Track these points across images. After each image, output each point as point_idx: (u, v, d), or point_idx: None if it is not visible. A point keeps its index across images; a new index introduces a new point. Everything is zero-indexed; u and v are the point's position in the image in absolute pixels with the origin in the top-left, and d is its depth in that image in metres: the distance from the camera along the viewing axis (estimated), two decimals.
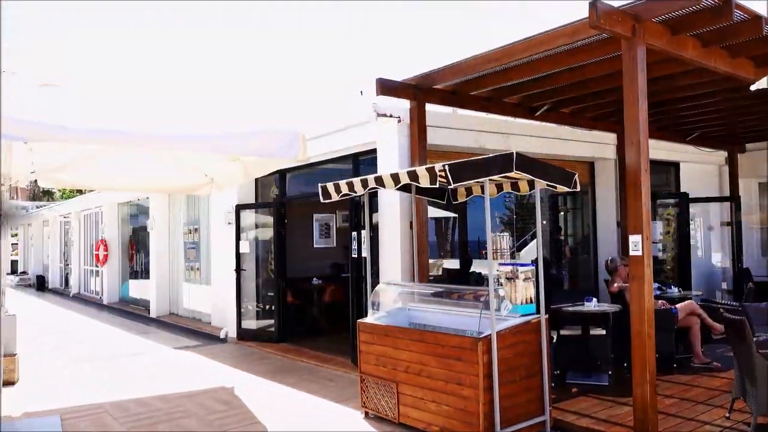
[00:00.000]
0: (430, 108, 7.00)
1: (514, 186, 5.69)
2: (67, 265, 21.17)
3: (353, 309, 7.62)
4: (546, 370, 4.98)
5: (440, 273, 9.18)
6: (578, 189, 5.32)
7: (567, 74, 6.31)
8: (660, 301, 6.85)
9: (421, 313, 5.72)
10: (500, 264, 5.19)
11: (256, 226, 10.08)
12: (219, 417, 5.80)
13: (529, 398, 4.90)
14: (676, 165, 10.57)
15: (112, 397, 6.55)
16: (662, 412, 5.03)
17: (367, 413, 5.57)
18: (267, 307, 9.89)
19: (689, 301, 7.13)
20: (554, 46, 5.39)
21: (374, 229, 7.22)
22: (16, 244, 29.56)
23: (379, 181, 5.22)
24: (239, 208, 9.85)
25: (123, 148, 5.38)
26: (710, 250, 11.27)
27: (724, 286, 10.76)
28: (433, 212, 8.13)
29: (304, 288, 10.44)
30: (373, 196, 7.05)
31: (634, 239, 4.64)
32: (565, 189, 5.18)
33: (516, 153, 4.66)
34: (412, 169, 4.86)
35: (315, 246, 11.44)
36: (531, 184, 5.39)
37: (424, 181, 4.62)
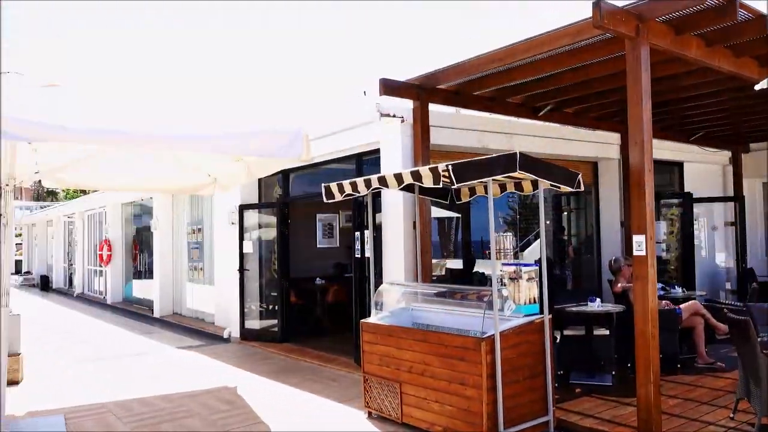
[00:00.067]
0: (433, 108, 7.00)
1: (518, 186, 5.69)
2: (71, 265, 21.23)
3: (356, 309, 7.62)
4: (549, 370, 4.97)
5: (443, 273, 9.18)
6: (582, 189, 5.31)
7: (570, 74, 6.30)
8: (664, 302, 6.84)
9: (424, 313, 5.72)
10: (504, 264, 5.19)
11: (260, 226, 10.09)
12: (222, 417, 5.80)
13: (533, 398, 4.89)
14: (680, 165, 10.55)
15: (115, 397, 6.57)
16: (666, 413, 5.02)
17: (370, 413, 5.57)
18: (270, 307, 9.90)
19: (693, 301, 7.12)
20: (558, 46, 5.38)
21: (377, 229, 7.22)
22: (20, 244, 29.66)
23: (383, 181, 5.21)
24: (242, 208, 9.86)
25: (124, 148, 5.39)
26: (714, 250, 11.25)
27: (728, 286, 10.73)
28: (437, 212, 8.13)
29: (308, 288, 10.45)
30: (377, 196, 7.05)
31: (638, 239, 4.63)
32: (569, 189, 5.18)
33: (519, 153, 4.65)
34: (416, 169, 4.85)
35: (318, 246, 11.45)
36: (534, 184, 5.38)
37: (428, 181, 4.61)
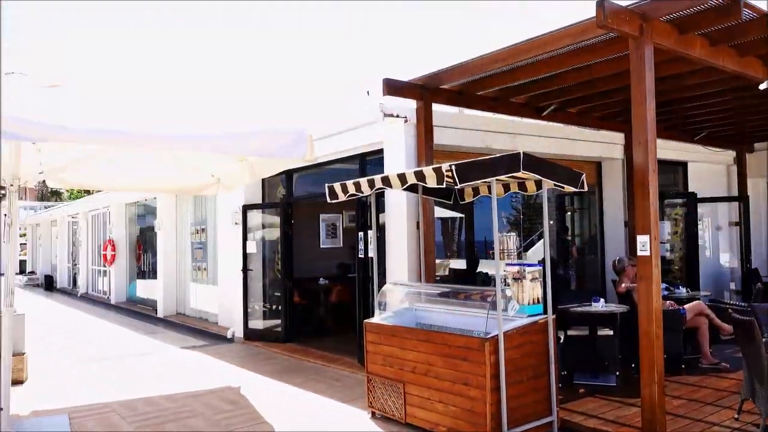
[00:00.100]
0: (437, 108, 7.00)
1: (522, 186, 5.68)
2: (75, 265, 21.29)
3: (360, 309, 7.62)
4: (553, 370, 4.97)
5: (447, 273, 9.17)
6: (585, 189, 5.30)
7: (574, 74, 6.29)
8: (668, 302, 6.82)
9: (428, 314, 5.72)
10: (507, 264, 5.18)
11: (263, 227, 10.10)
12: (226, 417, 5.81)
13: (537, 399, 4.89)
14: (683, 165, 10.52)
15: (119, 397, 6.58)
16: (670, 413, 5.01)
17: (373, 413, 5.57)
18: (274, 307, 9.91)
19: (697, 301, 7.10)
20: (561, 45, 5.38)
21: (381, 230, 7.22)
22: (25, 244, 29.75)
23: (386, 181, 5.21)
24: (246, 209, 9.87)
25: (126, 147, 5.39)
26: (718, 250, 11.21)
27: (733, 286, 10.70)
28: (440, 212, 8.12)
29: (311, 288, 10.45)
30: (380, 196, 7.05)
31: (642, 239, 4.62)
32: (573, 189, 5.17)
33: (523, 153, 4.64)
34: (419, 169, 4.85)
35: (322, 246, 11.45)
36: (538, 184, 5.37)
37: (431, 182, 4.61)
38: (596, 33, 4.97)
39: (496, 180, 4.84)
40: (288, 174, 9.56)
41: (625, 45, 4.93)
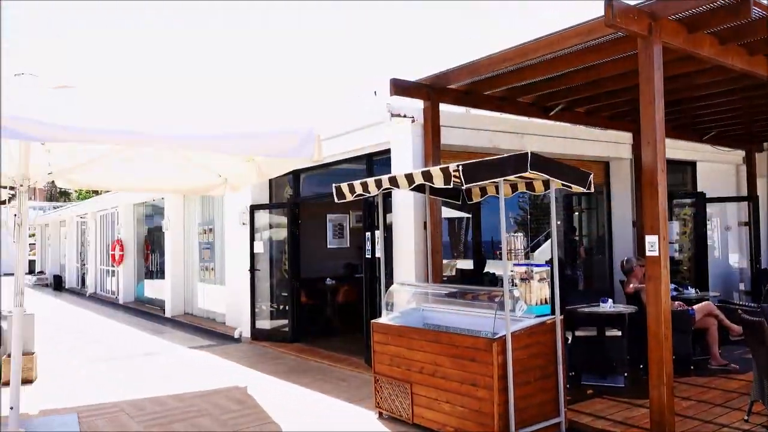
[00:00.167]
0: (444, 108, 6.99)
1: (529, 186, 5.67)
2: (84, 265, 21.41)
3: (367, 309, 7.62)
4: (561, 371, 4.95)
5: (454, 273, 9.15)
6: (593, 190, 5.28)
7: (582, 73, 6.27)
8: (677, 303, 6.78)
9: (435, 314, 5.71)
10: (515, 264, 5.17)
11: (270, 227, 10.12)
12: (233, 416, 5.82)
13: (544, 399, 4.87)
14: (692, 164, 10.46)
15: (128, 396, 6.61)
16: (679, 415, 4.98)
17: (381, 414, 5.57)
18: (281, 307, 9.92)
19: (706, 302, 7.05)
20: (569, 45, 5.35)
21: (388, 230, 7.22)
22: (34, 244, 29.95)
23: (393, 181, 5.21)
24: (253, 209, 9.89)
25: (134, 148, 5.42)
26: (727, 250, 11.14)
27: (742, 287, 10.62)
28: (447, 212, 8.11)
29: (318, 288, 10.46)
30: (387, 196, 7.05)
31: (651, 239, 4.60)
32: (581, 189, 5.15)
33: (531, 153, 4.63)
34: (427, 169, 4.85)
35: (329, 246, 11.46)
36: (546, 184, 5.36)
37: (438, 182, 4.60)
38: (604, 32, 4.95)
39: (504, 180, 4.83)
40: (295, 174, 9.58)
41: (633, 44, 4.91)
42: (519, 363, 4.63)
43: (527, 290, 5.00)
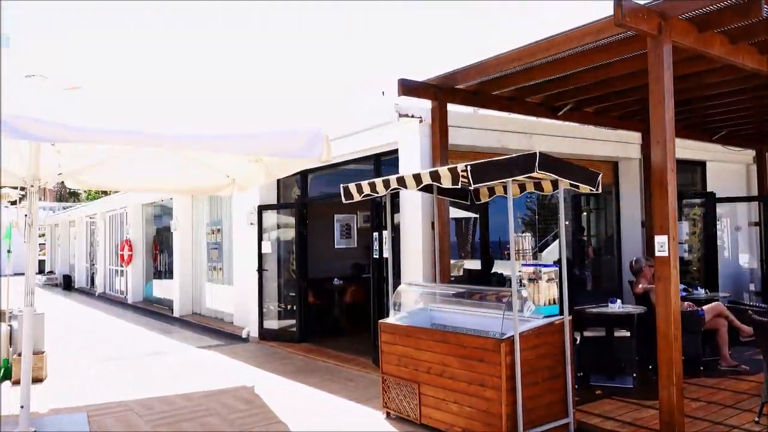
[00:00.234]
0: (452, 108, 6.98)
1: (538, 186, 5.65)
2: (93, 264, 21.53)
3: (374, 309, 7.62)
4: (569, 371, 4.93)
5: (461, 274, 9.13)
6: (600, 191, 5.26)
7: (591, 73, 6.24)
8: (686, 303, 6.74)
9: (442, 314, 5.70)
10: (523, 265, 5.15)
11: (278, 227, 10.14)
12: (241, 416, 5.84)
13: (553, 400, 4.85)
14: (702, 164, 10.40)
15: (137, 396, 6.64)
16: (689, 416, 4.95)
17: (388, 414, 5.57)
18: (288, 307, 9.94)
19: (716, 302, 7.00)
20: (578, 44, 5.33)
21: (396, 230, 7.21)
22: (44, 244, 30.17)
23: (401, 181, 5.21)
24: (261, 209, 9.91)
25: (143, 148, 5.45)
26: (737, 250, 11.06)
27: (752, 287, 10.53)
28: (454, 212, 8.10)
29: (326, 288, 10.48)
30: (395, 196, 7.04)
31: (660, 240, 4.57)
32: (589, 189, 5.13)
33: (539, 153, 4.61)
34: (434, 169, 4.84)
35: (336, 246, 11.48)
36: (554, 184, 5.34)
37: (446, 182, 4.60)
38: (614, 32, 4.93)
39: (512, 180, 4.82)
40: (303, 174, 9.59)
41: (642, 44, 4.88)
42: (527, 363, 4.62)
43: (535, 290, 4.98)
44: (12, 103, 3.92)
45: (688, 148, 9.59)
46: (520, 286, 5.00)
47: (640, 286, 6.94)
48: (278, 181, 10.02)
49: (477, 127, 7.57)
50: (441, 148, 6.83)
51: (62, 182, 6.31)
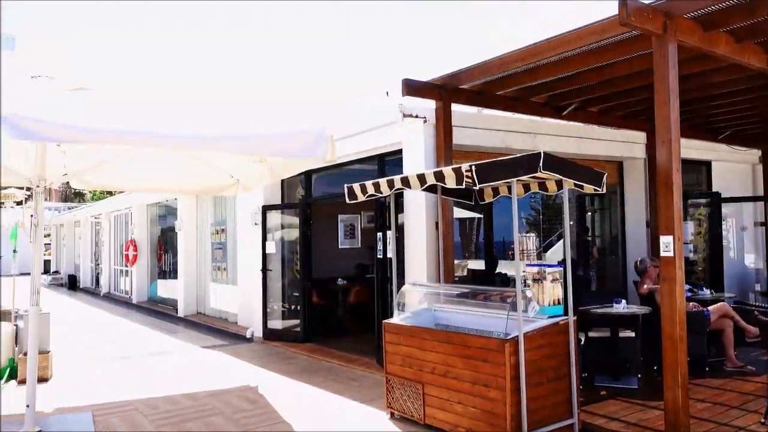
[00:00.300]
0: (456, 108, 6.97)
1: (542, 186, 5.64)
2: (98, 264, 21.59)
3: (378, 309, 7.62)
4: (574, 372, 4.92)
5: (465, 274, 9.13)
6: (605, 191, 5.25)
7: (595, 72, 6.22)
8: (691, 303, 6.72)
9: (447, 314, 5.70)
10: (527, 265, 5.14)
11: (282, 227, 10.15)
12: (245, 416, 5.85)
13: (557, 401, 4.84)
14: (707, 164, 10.36)
15: (142, 395, 6.66)
16: (694, 417, 4.93)
17: (392, 414, 5.56)
18: (292, 307, 9.95)
19: (722, 303, 6.98)
20: (583, 44, 5.32)
21: (400, 230, 7.21)
22: (49, 244, 30.28)
23: (405, 181, 5.21)
24: (265, 209, 9.93)
25: (149, 148, 5.46)
26: (743, 250, 11.02)
27: (758, 288, 10.49)
28: (458, 213, 8.10)
29: (330, 288, 10.48)
30: (399, 196, 7.05)
31: (666, 240, 4.56)
32: (594, 189, 5.11)
33: (543, 153, 4.60)
34: (439, 169, 4.83)
35: (340, 246, 11.48)
36: (559, 184, 5.33)
37: (451, 182, 4.59)
38: (618, 31, 4.91)
39: (517, 180, 4.81)
40: (307, 174, 9.60)
41: (647, 43, 4.87)
42: (531, 364, 4.61)
43: (540, 291, 4.97)
44: (18, 104, 3.93)
45: (693, 148, 9.56)
46: (525, 286, 4.99)
47: (645, 286, 6.92)
48: (282, 181, 10.03)
49: (481, 127, 7.56)
50: (445, 148, 6.82)
51: (67, 182, 6.33)
